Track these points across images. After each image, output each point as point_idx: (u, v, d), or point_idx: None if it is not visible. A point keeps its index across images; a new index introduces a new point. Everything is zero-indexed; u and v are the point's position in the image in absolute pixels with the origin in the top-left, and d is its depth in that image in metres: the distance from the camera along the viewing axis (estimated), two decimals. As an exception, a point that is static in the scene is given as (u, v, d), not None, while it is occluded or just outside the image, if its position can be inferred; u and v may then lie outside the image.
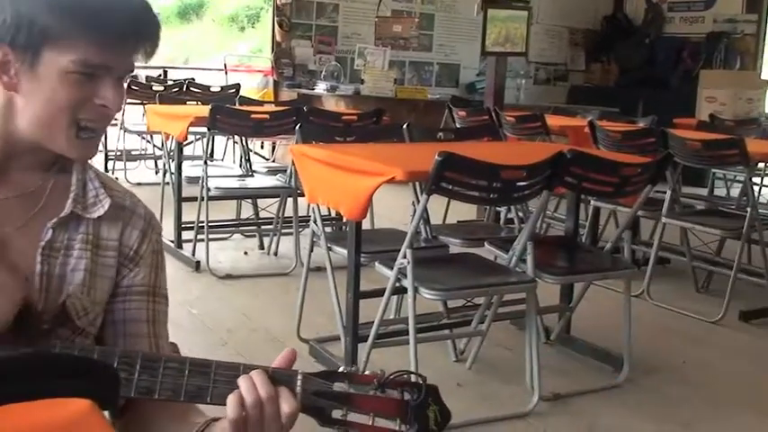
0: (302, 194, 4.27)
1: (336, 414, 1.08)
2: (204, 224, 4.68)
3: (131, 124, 7.37)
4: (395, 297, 3.37)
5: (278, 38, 8.95)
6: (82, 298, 1.21)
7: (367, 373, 1.10)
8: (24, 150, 1.21)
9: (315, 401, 1.08)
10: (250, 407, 1.06)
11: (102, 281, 1.25)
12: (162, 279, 1.34)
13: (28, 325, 1.11)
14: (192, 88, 7.65)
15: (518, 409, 3.01)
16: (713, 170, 5.83)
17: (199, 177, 4.73)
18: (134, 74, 8.21)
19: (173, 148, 5.14)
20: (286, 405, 1.07)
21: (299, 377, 1.09)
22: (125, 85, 1.26)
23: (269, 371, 1.09)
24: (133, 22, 1.16)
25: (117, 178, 1.41)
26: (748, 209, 4.22)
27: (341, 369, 1.11)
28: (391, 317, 3.46)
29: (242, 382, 1.08)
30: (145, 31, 1.18)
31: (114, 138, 7.34)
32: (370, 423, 1.08)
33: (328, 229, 3.93)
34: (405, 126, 3.89)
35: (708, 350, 3.85)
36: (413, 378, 1.10)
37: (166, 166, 5.53)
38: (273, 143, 7.94)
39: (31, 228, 1.20)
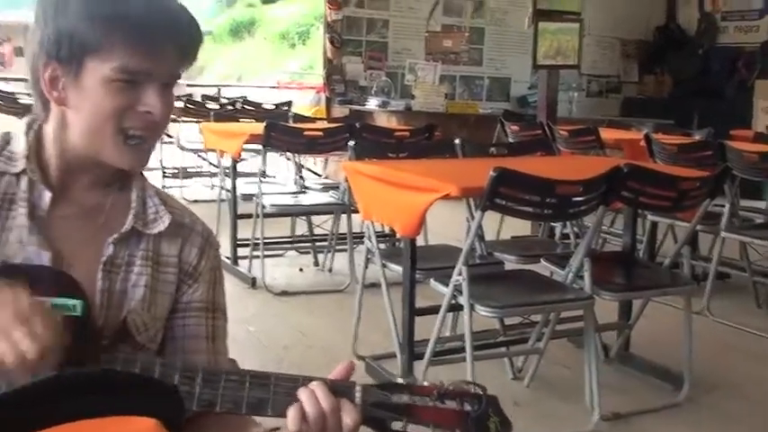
0: (356, 211, 4.29)
1: (396, 425, 1.08)
2: (260, 241, 4.72)
3: (187, 142, 7.48)
4: (450, 314, 3.35)
5: (329, 54, 9.01)
6: (142, 314, 1.23)
7: (425, 384, 1.10)
8: (82, 167, 1.24)
9: (374, 413, 1.08)
10: (312, 419, 1.06)
11: (162, 297, 1.27)
12: (220, 295, 1.36)
13: (89, 340, 1.12)
14: (245, 106, 7.75)
15: (577, 429, 2.97)
16: (772, 182, 5.70)
17: (253, 194, 4.77)
18: (189, 93, 8.37)
19: (228, 165, 5.20)
20: (348, 417, 1.07)
21: (358, 388, 1.09)
22: (173, 93, 1.25)
23: (328, 382, 1.09)
24: (169, 27, 1.17)
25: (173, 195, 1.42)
26: (810, 222, 4.11)
27: (399, 380, 1.10)
28: (447, 334, 3.44)
29: (303, 394, 1.08)
30: (182, 35, 1.19)
31: (170, 155, 7.47)
32: None
33: (382, 246, 3.94)
34: (457, 141, 3.88)
35: (769, 367, 3.76)
36: (472, 389, 1.09)
37: (222, 184, 5.60)
38: (325, 159, 7.98)
39: (93, 244, 1.23)
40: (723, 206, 4.28)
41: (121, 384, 1.00)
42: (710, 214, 4.03)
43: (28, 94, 7.10)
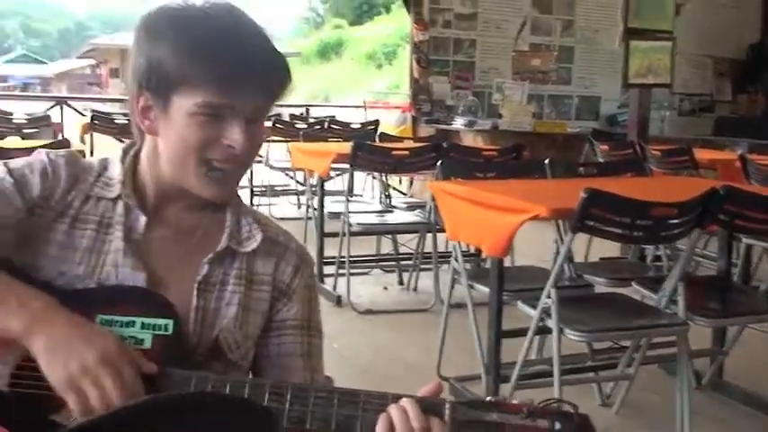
0: (441, 230, 4.28)
1: None
2: (345, 259, 4.75)
3: (275, 161, 7.61)
4: (537, 336, 3.29)
5: (416, 74, 9.04)
6: (234, 332, 1.24)
7: (515, 401, 1.08)
8: (175, 192, 1.26)
9: (464, 431, 1.06)
10: None
11: (254, 315, 1.28)
12: (316, 313, 1.36)
13: (181, 359, 1.14)
14: (333, 125, 7.84)
15: (668, 458, 2.89)
16: None
17: (339, 212, 4.82)
18: (278, 112, 8.51)
19: (315, 183, 5.26)
20: None
21: (448, 406, 1.08)
22: (263, 126, 1.27)
23: (418, 400, 1.08)
24: (254, 66, 1.18)
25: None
26: None
27: (489, 398, 1.08)
28: (533, 357, 3.39)
29: (394, 411, 1.07)
30: (267, 74, 1.20)
31: (259, 174, 7.61)
32: None
33: (468, 266, 3.91)
34: (546, 161, 3.83)
35: None
36: (563, 407, 1.06)
37: (309, 202, 5.66)
38: (411, 178, 8.00)
39: (187, 264, 1.25)
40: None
41: (217, 406, 1.01)
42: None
43: (123, 114, 7.37)
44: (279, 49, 1.22)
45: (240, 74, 1.16)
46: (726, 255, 3.50)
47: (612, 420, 3.23)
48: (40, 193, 1.21)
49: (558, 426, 1.06)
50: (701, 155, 5.46)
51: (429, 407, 1.07)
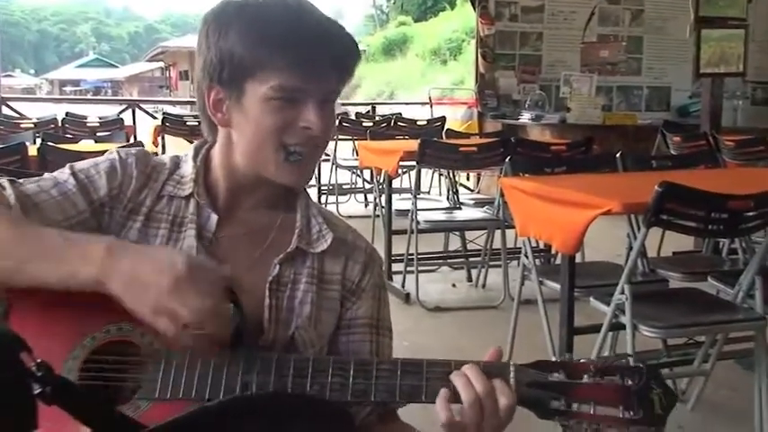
0: (510, 227, 4.25)
1: (555, 405, 1.04)
2: (414, 256, 4.75)
3: (342, 159, 7.66)
4: (610, 333, 3.25)
5: (481, 69, 9.00)
6: (309, 331, 1.26)
7: (582, 360, 1.06)
8: (248, 187, 1.28)
9: (531, 393, 1.05)
10: (468, 405, 1.05)
11: (327, 314, 1.29)
12: (385, 312, 1.36)
13: (248, 343, 1.15)
14: (399, 123, 7.84)
15: (746, 455, 2.82)
16: None
17: (407, 210, 4.82)
18: (344, 111, 8.57)
19: (382, 181, 5.27)
20: (503, 398, 1.05)
21: (512, 369, 1.07)
22: (334, 110, 1.28)
23: (480, 365, 1.08)
24: (325, 46, 1.19)
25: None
26: None
27: (554, 359, 1.07)
28: (606, 353, 3.34)
29: (456, 378, 1.06)
30: (338, 53, 1.21)
31: (327, 172, 7.67)
32: (592, 412, 1.03)
33: (538, 262, 3.87)
34: (618, 155, 3.77)
35: None
36: (631, 361, 1.05)
37: (376, 200, 5.68)
38: (479, 174, 7.97)
39: (260, 263, 1.26)
40: None
41: (291, 407, 1.02)
42: None
43: (194, 116, 7.50)
44: (346, 29, 1.23)
45: (314, 55, 1.18)
46: (805, 247, 3.39)
47: (688, 417, 3.17)
48: (107, 193, 1.23)
49: (628, 381, 1.03)
50: (777, 144, 5.30)
51: (492, 370, 1.06)
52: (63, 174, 1.24)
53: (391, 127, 7.76)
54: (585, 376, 1.04)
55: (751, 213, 2.69)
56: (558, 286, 3.09)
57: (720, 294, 3.17)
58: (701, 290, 3.14)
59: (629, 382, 1.04)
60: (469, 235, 5.44)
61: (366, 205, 8.02)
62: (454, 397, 1.06)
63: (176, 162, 1.31)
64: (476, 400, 1.05)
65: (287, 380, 1.08)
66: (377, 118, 8.80)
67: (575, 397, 1.04)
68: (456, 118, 9.61)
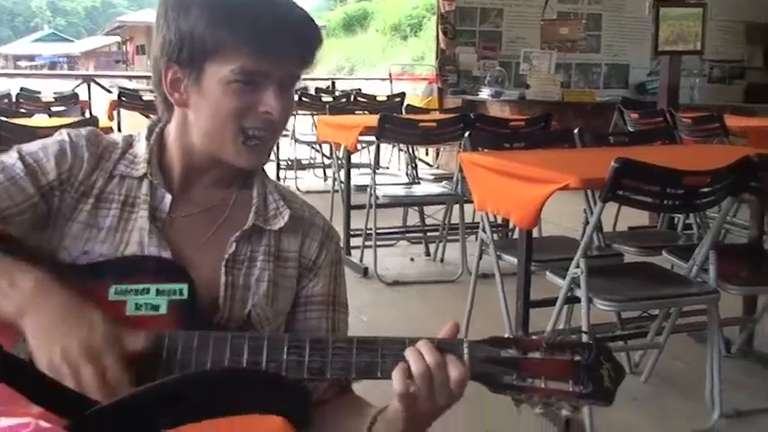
0: (468, 201, 4.26)
1: (507, 379, 1.06)
2: (372, 231, 4.75)
3: (301, 134, 7.61)
4: (565, 306, 3.28)
5: (442, 45, 8.98)
6: (266, 308, 1.24)
7: (534, 337, 1.08)
8: (204, 166, 1.26)
9: (484, 368, 1.07)
10: (418, 377, 1.06)
11: (283, 292, 1.28)
12: (341, 289, 1.36)
13: (204, 323, 1.14)
14: (358, 98, 7.82)
15: (697, 426, 2.87)
16: None
17: (366, 185, 4.82)
18: (304, 86, 8.51)
19: (341, 156, 5.25)
20: (455, 371, 1.06)
21: (466, 344, 1.08)
22: (294, 94, 1.27)
23: (434, 341, 1.09)
24: (287, 30, 1.17)
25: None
26: None
27: (507, 335, 1.08)
28: (561, 326, 3.38)
29: (409, 353, 1.08)
30: (300, 38, 1.20)
31: (285, 147, 7.62)
32: (543, 386, 1.05)
33: (495, 236, 3.90)
34: (576, 131, 3.80)
35: None
36: (582, 337, 1.07)
37: (335, 175, 5.66)
38: (437, 150, 7.98)
39: (215, 241, 1.24)
40: None
41: (247, 382, 1.01)
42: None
43: (150, 91, 7.39)
44: (309, 14, 1.22)
45: (276, 39, 1.16)
46: (758, 223, 3.46)
47: (641, 389, 3.22)
48: (56, 177, 1.20)
49: (577, 357, 1.06)
50: (732, 122, 5.37)
51: (446, 346, 1.08)
52: (10, 158, 1.21)
53: (351, 102, 7.73)
54: (537, 352, 1.06)
55: (706, 189, 2.73)
56: (515, 260, 3.12)
57: (675, 269, 3.22)
58: (656, 264, 3.18)
59: (579, 358, 1.06)
60: (428, 210, 5.47)
61: (325, 180, 7.99)
62: (410, 372, 1.07)
63: (129, 141, 1.29)
64: (426, 371, 1.06)
65: (241, 359, 1.08)
66: (336, 93, 8.75)
67: (526, 372, 1.06)
68: (416, 94, 9.61)
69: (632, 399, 3.08)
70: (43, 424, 0.85)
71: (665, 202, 2.77)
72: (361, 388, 1.33)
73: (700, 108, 6.96)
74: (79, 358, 1.02)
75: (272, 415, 0.97)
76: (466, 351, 1.08)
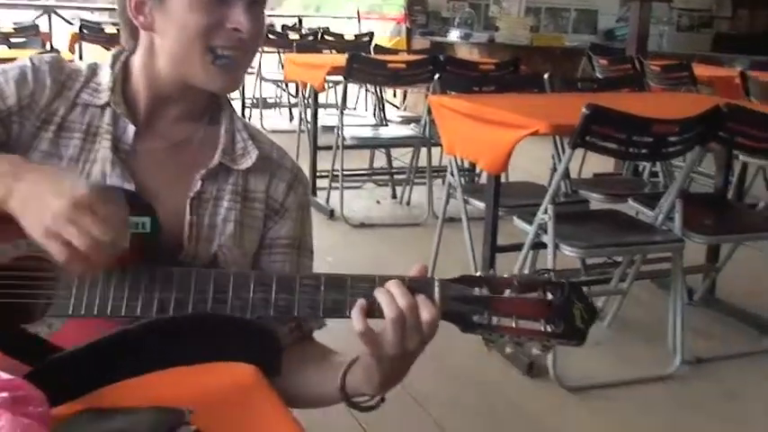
0: (436, 145, 4.24)
1: (477, 319, 1.03)
2: (339, 173, 4.72)
3: (267, 72, 7.49)
4: (530, 252, 3.30)
5: (412, -15, 8.86)
6: (233, 249, 1.21)
7: (505, 275, 1.05)
8: (171, 97, 1.22)
9: (455, 307, 1.04)
10: (390, 319, 1.02)
11: (250, 232, 1.25)
12: (308, 233, 1.33)
13: (167, 259, 1.10)
14: (326, 37, 7.69)
15: (658, 372, 2.92)
16: None
17: (333, 126, 4.77)
18: (270, 23, 8.34)
19: (308, 96, 5.18)
20: (426, 313, 1.03)
21: (437, 283, 1.05)
22: (263, 13, 1.21)
23: (405, 280, 1.05)
24: None
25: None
26: None
27: (478, 273, 1.06)
28: (527, 271, 3.40)
29: (380, 295, 1.03)
30: None
31: (251, 85, 7.51)
32: (514, 325, 1.03)
33: (462, 180, 3.89)
34: (545, 76, 3.78)
35: None
36: (554, 277, 1.05)
37: (302, 115, 5.59)
38: (405, 91, 7.91)
39: (181, 178, 1.21)
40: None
41: (215, 328, 0.99)
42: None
43: (112, 23, 7.20)
44: None
45: None
46: (724, 173, 3.49)
47: (605, 334, 3.26)
48: (17, 102, 1.16)
49: (549, 296, 1.03)
50: (699, 71, 5.39)
51: (417, 286, 1.04)
52: None
53: (318, 41, 7.59)
54: (508, 291, 1.03)
55: (675, 138, 2.74)
56: (482, 205, 3.12)
57: (640, 216, 3.24)
58: (622, 211, 3.20)
59: (551, 297, 1.03)
60: (395, 152, 5.44)
61: (291, 120, 7.90)
62: (371, 308, 1.03)
63: (93, 69, 1.24)
64: (399, 315, 1.02)
65: (207, 296, 1.04)
66: (303, 31, 8.58)
67: (497, 311, 1.03)
68: (384, 34, 9.47)
69: (595, 343, 3.12)
70: (2, 375, 0.82)
71: (634, 149, 2.77)
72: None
73: (668, 56, 6.95)
74: (72, 211, 0.97)
75: (242, 363, 0.95)
76: (437, 290, 1.05)
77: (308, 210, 1.34)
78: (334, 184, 4.85)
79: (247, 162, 1.25)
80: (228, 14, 1.14)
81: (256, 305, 1.04)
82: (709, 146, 3.03)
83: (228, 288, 1.05)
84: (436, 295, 1.04)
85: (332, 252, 4.09)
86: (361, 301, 1.03)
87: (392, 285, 1.04)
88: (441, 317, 1.03)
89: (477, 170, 4.60)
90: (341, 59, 4.75)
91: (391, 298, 1.03)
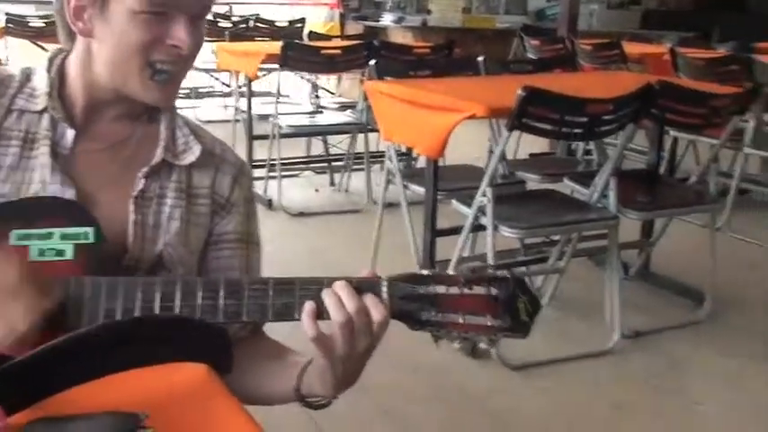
0: (372, 130, 4.24)
1: (426, 316, 1.05)
2: (276, 162, 4.69)
3: (199, 62, 7.34)
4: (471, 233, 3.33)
5: (343, -32, 8.81)
6: (178, 247, 1.20)
7: (451, 273, 1.07)
8: (108, 99, 1.19)
9: (403, 306, 1.05)
10: (338, 324, 1.02)
11: (196, 229, 1.24)
12: (254, 226, 1.32)
13: (113, 268, 1.09)
14: (258, 24, 7.60)
15: (598, 347, 2.98)
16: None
17: (268, 115, 4.73)
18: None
19: (242, 85, 5.13)
20: (376, 314, 1.03)
21: (385, 283, 1.05)
22: (204, 27, 1.20)
23: (353, 281, 1.05)
24: None
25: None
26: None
27: (425, 271, 1.07)
28: (466, 254, 3.43)
29: (327, 297, 1.03)
30: None
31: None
32: (461, 321, 1.05)
33: (400, 165, 3.90)
34: (480, 59, 3.80)
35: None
36: (498, 273, 1.07)
37: (236, 104, 5.52)
38: (339, 77, 7.87)
39: (122, 178, 1.19)
40: (747, 122, 4.19)
41: (163, 329, 0.97)
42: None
43: (38, 16, 6.99)
44: None
45: None
46: (656, 149, 3.57)
47: (544, 312, 3.29)
48: None
49: (494, 291, 1.05)
50: (630, 49, 5.48)
51: (364, 286, 1.05)
52: None
53: (250, 28, 7.50)
54: (455, 288, 1.05)
55: (609, 117, 2.78)
56: (422, 189, 3.13)
57: (575, 194, 3.29)
58: (558, 191, 3.25)
59: (497, 292, 1.05)
60: (332, 139, 5.42)
61: (225, 109, 7.80)
62: (320, 311, 1.03)
63: (27, 74, 1.21)
64: (347, 319, 1.02)
65: (153, 305, 1.03)
66: (235, 18, 8.46)
67: (445, 308, 1.05)
68: (318, 19, 9.40)
69: (534, 322, 3.17)
70: None
71: (569, 129, 2.81)
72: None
73: (598, 35, 7.05)
74: (2, 299, 0.94)
75: (194, 362, 0.94)
76: (385, 290, 1.05)
77: (253, 203, 1.33)
78: (271, 174, 4.81)
79: (190, 157, 1.23)
80: (169, 30, 1.12)
81: (205, 311, 1.03)
82: (641, 123, 3.09)
83: (175, 296, 1.04)
84: (384, 295, 1.05)
85: (272, 242, 4.04)
86: (310, 306, 1.03)
87: (340, 288, 1.04)
88: (391, 317, 1.04)
89: (414, 154, 4.61)
90: (275, 47, 4.70)
91: (339, 301, 1.03)
